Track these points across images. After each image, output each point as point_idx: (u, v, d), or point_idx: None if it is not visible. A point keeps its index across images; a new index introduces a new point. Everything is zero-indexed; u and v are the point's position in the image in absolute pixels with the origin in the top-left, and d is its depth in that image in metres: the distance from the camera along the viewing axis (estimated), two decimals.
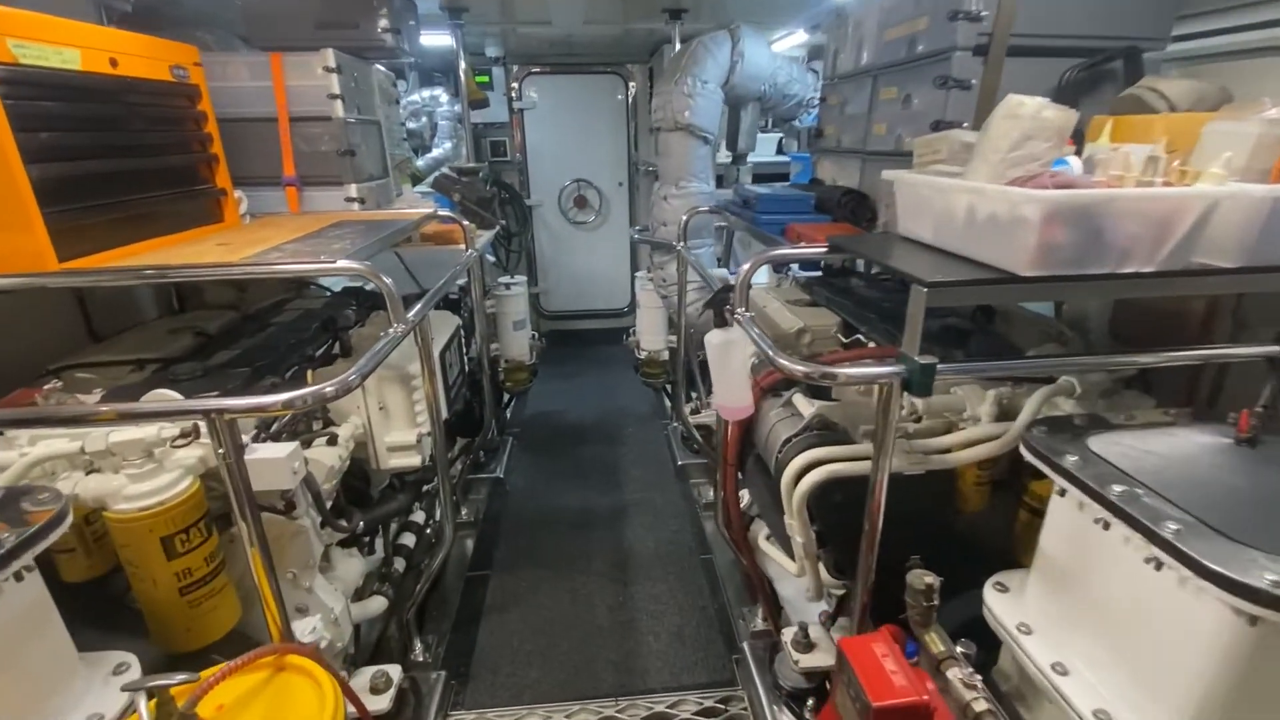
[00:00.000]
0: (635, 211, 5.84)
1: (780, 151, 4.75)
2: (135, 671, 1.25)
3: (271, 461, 1.46)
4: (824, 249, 1.73)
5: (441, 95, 4.85)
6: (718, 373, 1.86)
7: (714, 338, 1.80)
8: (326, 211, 2.68)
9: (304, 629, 1.67)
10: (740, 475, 2.12)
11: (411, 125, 4.76)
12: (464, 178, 3.22)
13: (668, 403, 4.35)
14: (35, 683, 1.12)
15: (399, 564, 2.33)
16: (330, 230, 2.07)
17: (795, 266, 2.91)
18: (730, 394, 1.87)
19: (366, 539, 2.17)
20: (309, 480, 1.67)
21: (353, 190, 2.78)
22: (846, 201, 2.12)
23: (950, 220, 1.40)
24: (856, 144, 2.35)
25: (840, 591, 1.74)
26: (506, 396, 3.96)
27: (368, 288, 3.60)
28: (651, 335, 3.76)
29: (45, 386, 1.62)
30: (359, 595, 2.07)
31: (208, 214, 2.13)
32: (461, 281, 2.96)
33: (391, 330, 1.65)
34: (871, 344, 1.95)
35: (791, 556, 1.81)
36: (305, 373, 1.88)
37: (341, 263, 1.59)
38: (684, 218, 2.91)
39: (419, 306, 1.87)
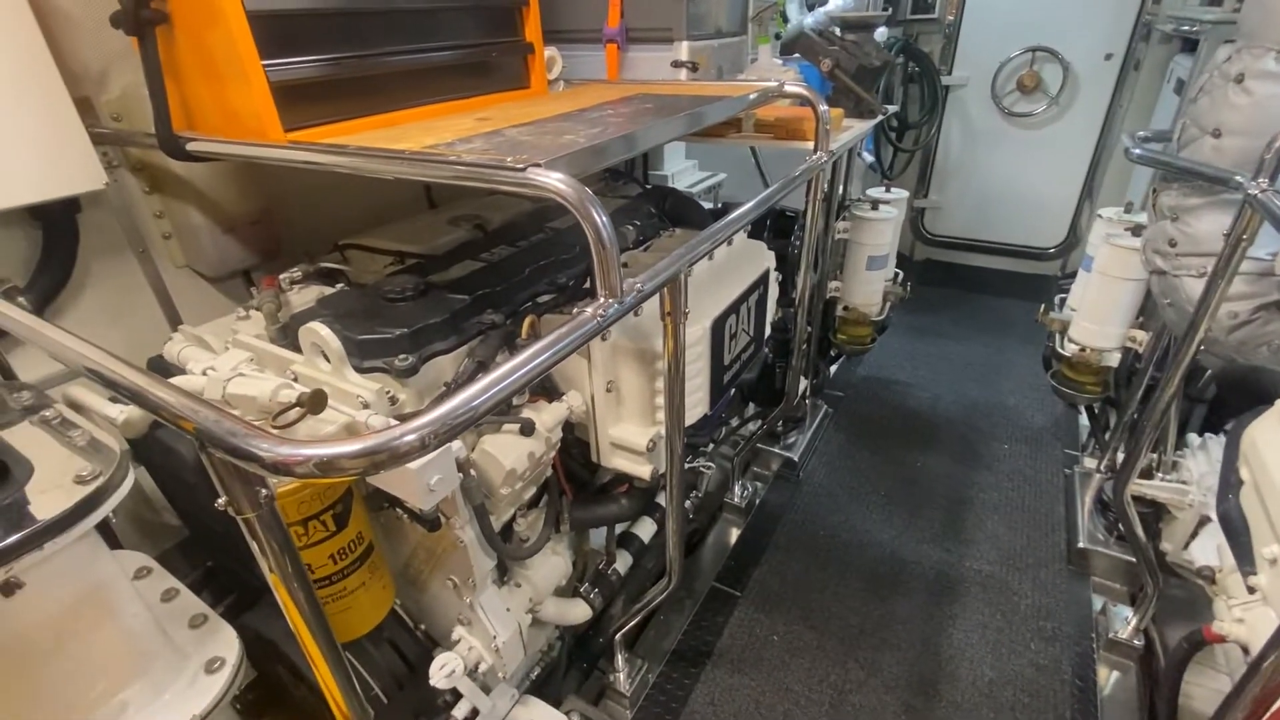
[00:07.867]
0: (1118, 104, 3.72)
1: None
2: None
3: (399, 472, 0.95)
4: None
5: None
6: None
7: None
8: (644, 81, 2.01)
9: (442, 672, 1.26)
10: None
11: None
12: (846, 36, 2.11)
13: (1084, 425, 2.76)
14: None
15: (624, 560, 1.83)
16: (602, 111, 1.39)
17: None
18: None
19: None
20: (468, 491, 1.16)
21: (682, 51, 2.02)
22: None
23: None
24: None
25: None
26: (835, 350, 2.97)
27: (696, 186, 2.93)
28: (1099, 322, 2.21)
29: (290, 274, 1.42)
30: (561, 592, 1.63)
31: (508, 77, 1.65)
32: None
33: (603, 304, 0.91)
34: None
35: None
36: (526, 318, 1.32)
37: (532, 173, 0.88)
38: None
39: (670, 259, 1.07)
